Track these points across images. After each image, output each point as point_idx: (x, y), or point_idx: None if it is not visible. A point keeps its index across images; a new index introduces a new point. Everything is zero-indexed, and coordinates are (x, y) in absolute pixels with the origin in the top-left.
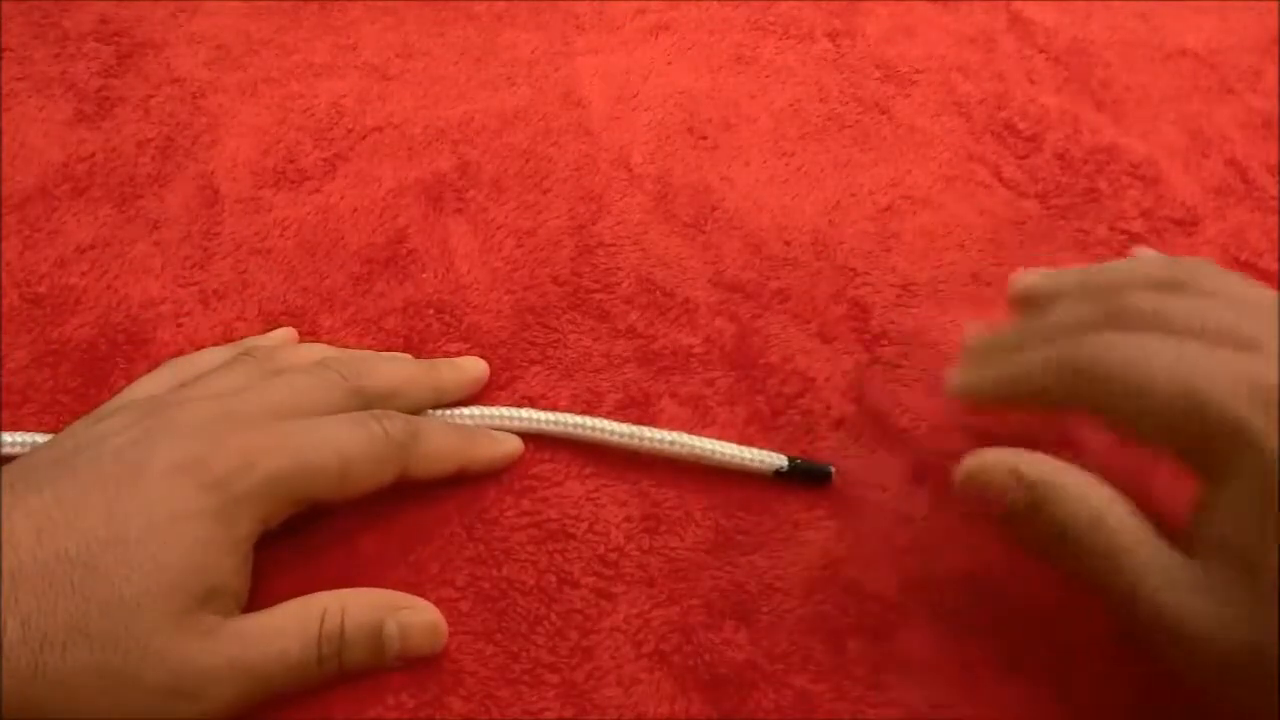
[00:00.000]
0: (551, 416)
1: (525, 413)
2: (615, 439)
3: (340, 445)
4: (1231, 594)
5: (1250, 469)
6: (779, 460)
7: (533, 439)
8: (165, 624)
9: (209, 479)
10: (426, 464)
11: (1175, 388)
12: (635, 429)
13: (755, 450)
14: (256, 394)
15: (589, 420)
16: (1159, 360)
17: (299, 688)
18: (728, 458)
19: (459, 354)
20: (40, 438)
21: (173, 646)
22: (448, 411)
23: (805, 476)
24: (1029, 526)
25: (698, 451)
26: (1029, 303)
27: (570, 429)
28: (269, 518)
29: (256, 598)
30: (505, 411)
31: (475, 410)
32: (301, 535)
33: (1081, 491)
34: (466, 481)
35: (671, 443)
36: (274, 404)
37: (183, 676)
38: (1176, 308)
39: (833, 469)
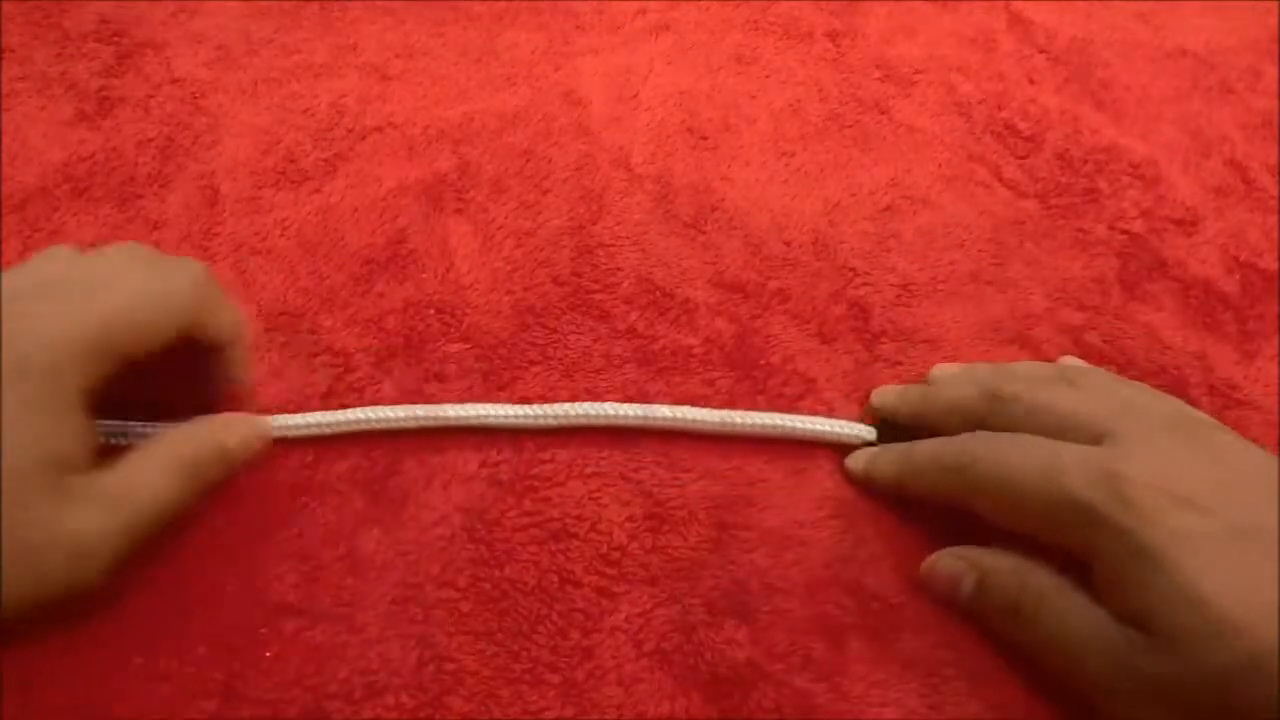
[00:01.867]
0: (640, 410)
1: (610, 408)
2: (706, 426)
3: (133, 290)
4: (1145, 651)
5: (1108, 546)
6: (868, 432)
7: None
8: (35, 497)
9: (14, 357)
10: (216, 310)
11: (1040, 484)
12: (725, 414)
13: (846, 423)
14: (48, 263)
15: (679, 410)
16: (1027, 460)
17: (177, 517)
18: (821, 432)
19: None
20: None
21: (51, 515)
22: (520, 410)
23: (895, 437)
24: (981, 605)
25: (790, 430)
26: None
27: (660, 420)
28: (90, 377)
29: (256, 595)
30: (580, 408)
31: (549, 409)
32: (300, 535)
33: (1014, 566)
34: (466, 482)
35: (764, 425)
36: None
37: (69, 539)
38: (1046, 398)
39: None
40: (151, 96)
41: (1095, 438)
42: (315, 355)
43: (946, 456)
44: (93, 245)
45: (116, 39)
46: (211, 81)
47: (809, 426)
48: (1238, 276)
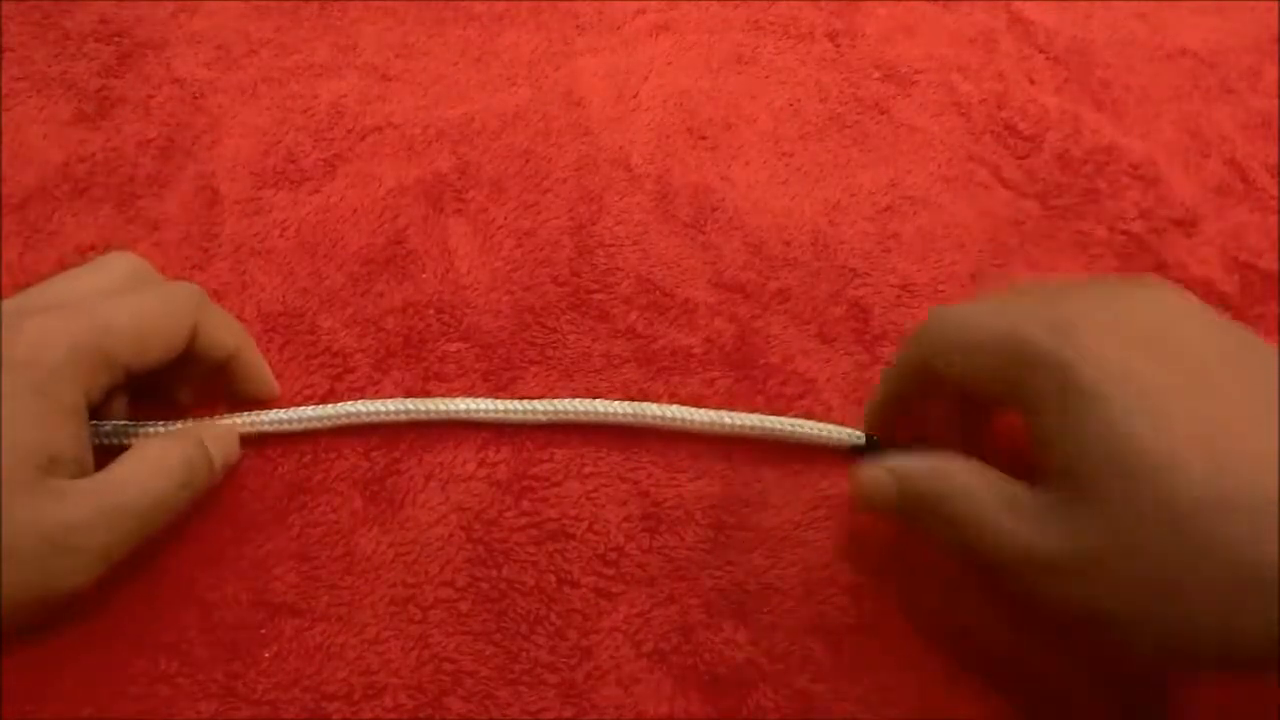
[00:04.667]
0: (630, 408)
1: (600, 404)
2: (695, 424)
3: (134, 306)
4: (1061, 509)
5: (1057, 389)
6: (856, 436)
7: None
8: (21, 495)
9: (16, 360)
10: (215, 325)
11: (991, 326)
12: (715, 414)
13: (834, 426)
14: (53, 286)
15: (669, 409)
16: (981, 312)
17: (166, 520)
18: (808, 434)
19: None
20: None
21: (37, 512)
22: (509, 404)
23: (881, 452)
24: (909, 512)
25: (779, 431)
26: None
27: (650, 418)
28: (89, 386)
29: (255, 595)
30: (578, 404)
31: (543, 404)
32: (299, 535)
33: (932, 466)
34: (464, 482)
35: (754, 426)
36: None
37: (54, 535)
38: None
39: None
40: (151, 96)
41: (1044, 297)
42: (314, 356)
43: (909, 337)
44: (92, 247)
45: (116, 39)
46: (211, 81)
47: (798, 429)
48: (1238, 276)
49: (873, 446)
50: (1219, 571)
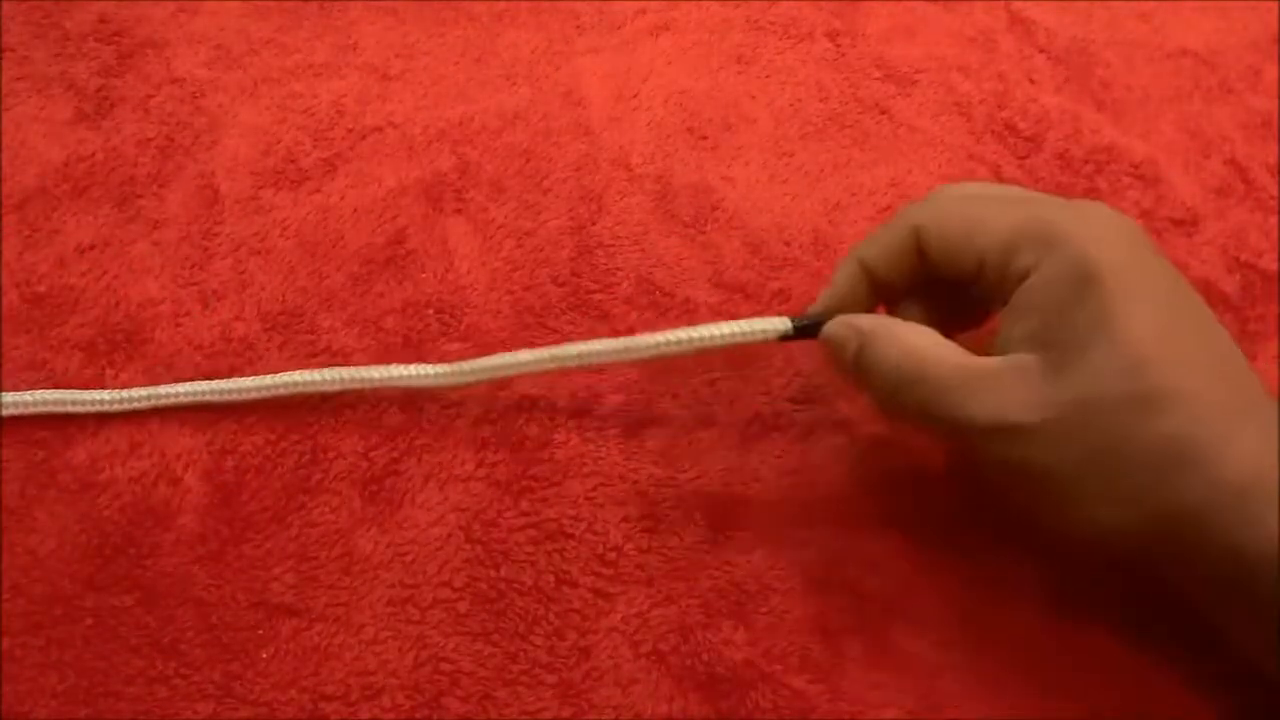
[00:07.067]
0: (546, 353)
1: (525, 355)
2: (611, 355)
3: None
4: (1039, 375)
5: (1070, 266)
6: (784, 325)
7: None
8: None
9: None
10: None
11: (1015, 214)
12: (627, 340)
13: (758, 320)
14: None
15: (586, 346)
16: (990, 201)
17: None
18: (733, 335)
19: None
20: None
21: None
22: (462, 365)
23: (812, 335)
24: (864, 370)
25: (700, 341)
26: None
27: (570, 358)
28: None
29: (253, 595)
30: (497, 361)
31: (480, 363)
32: (298, 535)
33: (894, 329)
34: (463, 482)
35: (678, 341)
36: None
37: None
38: None
39: None
40: (151, 96)
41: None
42: (314, 355)
43: (913, 203)
44: (92, 246)
45: (116, 39)
46: (211, 81)
47: (723, 332)
48: (1238, 277)
49: (801, 332)
50: (1152, 449)
